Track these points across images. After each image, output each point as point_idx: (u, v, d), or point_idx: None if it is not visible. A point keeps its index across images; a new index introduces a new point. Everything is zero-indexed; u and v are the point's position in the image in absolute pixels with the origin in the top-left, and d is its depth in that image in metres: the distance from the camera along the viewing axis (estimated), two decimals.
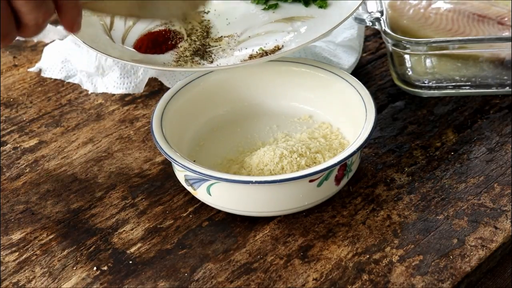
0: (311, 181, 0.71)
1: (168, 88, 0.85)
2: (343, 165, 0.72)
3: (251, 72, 0.84)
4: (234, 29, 0.86)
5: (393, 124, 0.87)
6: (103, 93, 0.95)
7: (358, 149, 0.71)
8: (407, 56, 0.91)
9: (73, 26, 0.67)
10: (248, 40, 0.84)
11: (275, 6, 0.89)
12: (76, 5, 0.66)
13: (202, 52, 0.83)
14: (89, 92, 0.95)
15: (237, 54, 0.82)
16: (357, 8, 0.82)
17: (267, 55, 0.80)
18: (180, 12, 0.77)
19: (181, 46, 0.84)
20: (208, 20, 0.88)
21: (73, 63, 0.96)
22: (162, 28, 0.86)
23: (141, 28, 0.87)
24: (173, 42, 0.84)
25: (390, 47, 0.90)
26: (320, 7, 0.87)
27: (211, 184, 0.71)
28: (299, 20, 0.86)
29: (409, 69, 0.92)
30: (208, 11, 0.89)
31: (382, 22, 0.89)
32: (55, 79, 0.98)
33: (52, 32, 1.04)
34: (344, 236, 0.72)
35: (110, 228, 0.75)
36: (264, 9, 0.89)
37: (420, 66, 0.92)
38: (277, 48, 0.81)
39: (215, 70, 0.82)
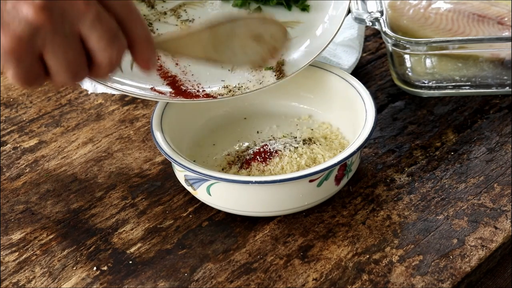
0: (311, 181, 0.71)
1: None
2: (343, 165, 0.72)
3: None
4: None
5: (393, 124, 0.87)
6: (103, 93, 0.95)
7: (358, 149, 0.71)
8: (407, 56, 0.91)
9: (148, 64, 0.63)
10: None
11: (258, 11, 0.88)
12: (149, 43, 0.62)
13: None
14: (89, 92, 0.95)
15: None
16: (343, 19, 0.81)
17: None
18: (258, 58, 0.71)
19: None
20: None
21: None
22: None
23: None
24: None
25: (390, 47, 0.90)
26: (303, 9, 0.87)
27: (211, 184, 0.71)
28: (287, 26, 0.85)
29: (409, 69, 0.92)
30: (193, 19, 0.87)
31: (382, 22, 0.89)
32: None
33: None
34: (344, 236, 0.72)
35: (110, 228, 0.75)
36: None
37: (420, 66, 0.92)
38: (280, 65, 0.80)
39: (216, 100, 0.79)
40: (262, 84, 0.78)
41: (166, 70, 0.80)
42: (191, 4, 0.88)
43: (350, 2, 0.82)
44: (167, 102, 0.78)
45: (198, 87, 0.79)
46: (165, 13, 0.87)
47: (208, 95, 0.77)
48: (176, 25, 0.85)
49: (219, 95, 0.77)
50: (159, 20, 0.86)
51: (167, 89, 0.78)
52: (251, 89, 0.78)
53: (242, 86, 0.79)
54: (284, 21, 0.85)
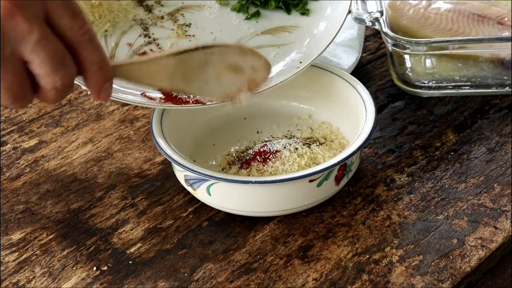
0: (311, 181, 0.71)
1: None
2: (343, 165, 0.72)
3: None
4: None
5: (393, 124, 0.87)
6: None
7: (358, 149, 0.71)
8: (407, 56, 0.91)
9: (99, 93, 0.59)
10: None
11: (257, 15, 0.87)
12: (104, 69, 0.57)
13: None
14: (89, 92, 0.95)
15: None
16: (344, 21, 0.80)
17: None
18: (234, 90, 0.64)
19: None
20: (193, 36, 0.84)
21: None
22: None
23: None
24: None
25: (390, 47, 0.90)
26: (303, 13, 0.86)
27: (211, 184, 0.71)
28: (285, 30, 0.85)
29: (409, 69, 0.92)
30: (190, 23, 0.86)
31: (382, 22, 0.89)
32: None
33: None
34: (344, 236, 0.72)
35: (110, 228, 0.75)
36: (247, 18, 0.86)
37: (420, 66, 0.92)
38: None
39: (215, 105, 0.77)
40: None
41: None
42: (189, 9, 0.88)
43: (350, 5, 0.82)
44: None
45: None
46: (162, 17, 0.86)
47: (197, 101, 0.76)
48: (173, 29, 0.85)
49: (209, 101, 0.76)
50: (156, 24, 0.85)
51: (157, 95, 0.77)
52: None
53: None
54: (282, 26, 0.85)
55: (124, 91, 0.76)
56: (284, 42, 0.83)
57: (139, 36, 0.83)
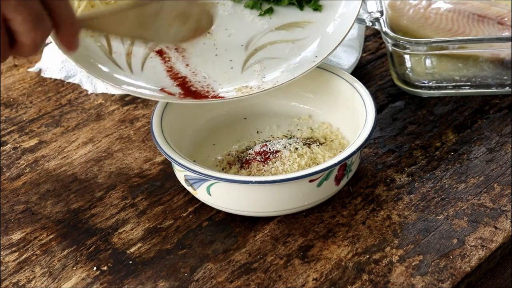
0: (311, 181, 0.71)
1: None
2: (343, 165, 0.72)
3: None
4: (237, 40, 0.85)
5: (393, 124, 0.87)
6: (103, 93, 0.95)
7: (358, 149, 0.71)
8: (407, 56, 0.91)
9: (70, 45, 0.64)
10: (255, 55, 0.83)
11: (270, 11, 0.88)
12: (74, 22, 0.63)
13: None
14: (89, 92, 0.95)
15: (246, 74, 0.81)
16: (354, 22, 0.81)
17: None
18: (181, 36, 0.74)
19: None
20: (209, 32, 0.85)
21: (73, 63, 0.96)
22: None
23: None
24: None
25: (390, 47, 0.90)
26: (315, 9, 0.87)
27: (211, 184, 0.71)
28: (299, 26, 0.86)
29: (409, 69, 0.92)
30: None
31: (382, 22, 0.89)
32: (55, 79, 0.98)
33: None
34: (344, 236, 0.72)
35: (110, 228, 0.75)
36: (260, 14, 0.87)
37: (420, 66, 0.92)
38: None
39: (227, 101, 0.80)
40: (271, 84, 0.79)
41: (176, 71, 0.81)
42: None
43: (361, 2, 0.83)
44: (167, 102, 0.78)
45: (208, 87, 0.79)
46: None
47: (215, 96, 0.78)
48: None
49: (227, 94, 0.78)
50: None
51: (177, 90, 0.78)
52: (263, 89, 0.78)
53: (250, 86, 0.79)
54: (296, 21, 0.86)
55: (143, 87, 0.78)
56: (298, 38, 0.84)
57: None
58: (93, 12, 0.78)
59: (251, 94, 0.78)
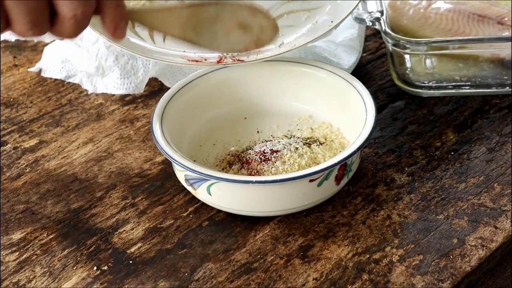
0: (311, 181, 0.71)
1: (168, 88, 0.85)
2: (343, 165, 0.72)
3: (251, 72, 0.84)
4: None
5: (393, 124, 0.87)
6: (103, 93, 0.95)
7: (358, 149, 0.71)
8: (407, 56, 0.91)
9: (115, 31, 0.60)
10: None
11: None
12: (120, 8, 0.59)
13: None
14: (89, 92, 0.95)
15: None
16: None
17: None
18: (241, 47, 0.69)
19: None
20: None
21: (73, 63, 0.96)
22: None
23: None
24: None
25: (390, 47, 0.90)
26: None
27: (211, 184, 0.71)
28: (309, 10, 0.87)
29: (409, 69, 0.92)
30: None
31: (382, 22, 0.89)
32: (55, 79, 0.98)
33: None
34: (344, 236, 0.72)
35: (110, 228, 0.75)
36: None
37: (420, 66, 0.92)
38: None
39: (228, 66, 0.81)
40: (289, 47, 0.80)
41: None
42: None
43: None
44: (167, 102, 0.78)
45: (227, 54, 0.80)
46: None
47: (237, 60, 0.78)
48: None
49: (247, 58, 0.78)
50: None
51: (199, 57, 0.79)
52: (282, 51, 0.79)
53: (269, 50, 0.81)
54: (309, 8, 0.85)
55: (167, 54, 0.79)
56: (314, 6, 0.86)
57: None
58: (145, 7, 0.74)
59: (270, 56, 0.79)
